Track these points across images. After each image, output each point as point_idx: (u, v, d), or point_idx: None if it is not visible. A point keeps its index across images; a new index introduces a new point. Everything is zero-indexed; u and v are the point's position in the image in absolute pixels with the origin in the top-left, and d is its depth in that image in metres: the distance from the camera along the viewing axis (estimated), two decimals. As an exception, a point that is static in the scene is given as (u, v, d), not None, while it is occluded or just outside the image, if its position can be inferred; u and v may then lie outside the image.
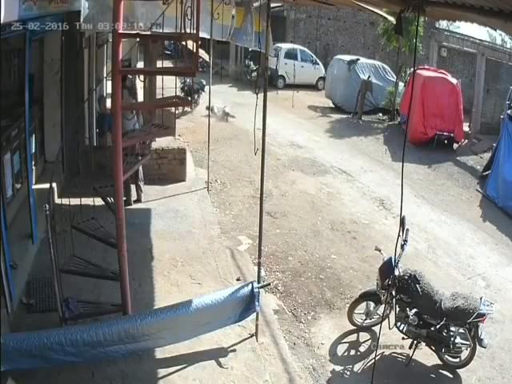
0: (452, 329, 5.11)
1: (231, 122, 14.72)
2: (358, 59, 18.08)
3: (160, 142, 8.77)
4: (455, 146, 14.12)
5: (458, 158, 13.32)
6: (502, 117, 12.48)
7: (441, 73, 14.94)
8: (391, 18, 7.93)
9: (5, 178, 5.35)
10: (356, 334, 5.75)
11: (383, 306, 5.36)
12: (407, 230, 5.47)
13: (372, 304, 5.63)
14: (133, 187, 7.78)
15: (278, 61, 20.87)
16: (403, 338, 5.35)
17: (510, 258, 8.05)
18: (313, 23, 24.97)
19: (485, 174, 11.67)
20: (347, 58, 19.26)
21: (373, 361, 4.93)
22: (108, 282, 4.99)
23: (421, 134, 13.66)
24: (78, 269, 4.72)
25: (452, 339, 5.08)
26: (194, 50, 4.23)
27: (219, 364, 4.56)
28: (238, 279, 6.16)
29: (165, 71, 6.15)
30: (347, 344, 5.63)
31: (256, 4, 8.81)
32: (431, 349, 5.26)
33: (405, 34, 14.42)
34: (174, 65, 9.32)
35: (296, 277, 6.88)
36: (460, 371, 5.25)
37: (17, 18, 3.98)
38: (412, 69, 15.33)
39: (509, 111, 11.39)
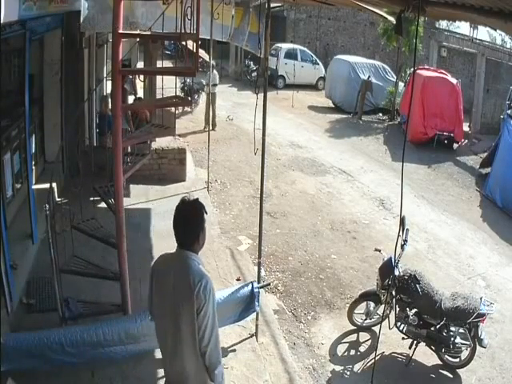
0: (452, 329, 5.11)
1: (231, 123, 14.74)
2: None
3: (160, 142, 8.77)
4: (455, 146, 14.13)
5: (457, 157, 13.33)
6: (502, 117, 12.50)
7: (441, 73, 14.95)
8: (391, 18, 7.92)
9: (5, 177, 5.34)
10: (356, 334, 5.75)
11: (383, 305, 5.36)
12: (407, 229, 5.48)
13: (372, 304, 5.63)
14: None
15: (278, 61, 20.86)
16: (403, 338, 5.36)
17: (510, 258, 8.05)
18: (313, 23, 25.01)
19: (483, 172, 11.68)
20: (347, 58, 19.27)
21: (373, 361, 4.94)
22: (108, 281, 4.97)
23: (421, 134, 13.66)
24: (78, 269, 4.71)
25: (452, 339, 5.08)
26: (194, 50, 4.23)
27: (219, 364, 4.55)
28: (238, 279, 6.15)
29: (165, 71, 6.14)
30: (347, 344, 5.63)
31: (255, 3, 8.79)
32: (431, 349, 5.26)
33: (405, 34, 14.41)
34: (174, 65, 9.31)
35: (296, 277, 6.88)
36: (460, 371, 5.25)
37: (17, 18, 3.98)
38: (412, 69, 15.32)
39: (509, 111, 11.41)
